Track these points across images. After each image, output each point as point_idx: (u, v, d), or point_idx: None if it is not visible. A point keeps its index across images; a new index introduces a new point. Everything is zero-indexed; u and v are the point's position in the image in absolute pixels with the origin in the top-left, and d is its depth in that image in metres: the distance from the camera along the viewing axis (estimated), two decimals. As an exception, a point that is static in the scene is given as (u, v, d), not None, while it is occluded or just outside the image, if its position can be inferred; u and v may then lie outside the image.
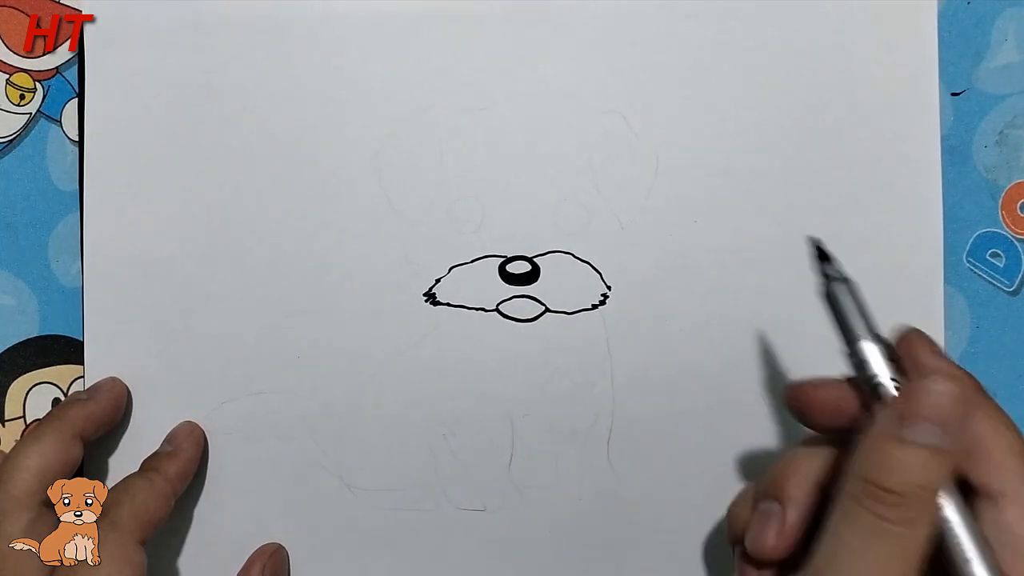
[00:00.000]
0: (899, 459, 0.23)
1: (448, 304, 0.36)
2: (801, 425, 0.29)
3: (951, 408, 0.24)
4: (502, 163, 0.36)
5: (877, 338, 0.27)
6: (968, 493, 0.25)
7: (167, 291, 0.36)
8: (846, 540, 0.24)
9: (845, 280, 0.28)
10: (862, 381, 0.27)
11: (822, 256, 0.29)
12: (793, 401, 0.29)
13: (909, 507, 0.23)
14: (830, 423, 0.28)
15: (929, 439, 0.23)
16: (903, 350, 0.27)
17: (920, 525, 0.23)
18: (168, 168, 0.36)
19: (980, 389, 0.26)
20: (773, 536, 0.28)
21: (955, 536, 0.24)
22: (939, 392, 0.24)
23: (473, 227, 0.36)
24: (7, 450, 0.37)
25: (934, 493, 0.23)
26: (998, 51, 0.37)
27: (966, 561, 0.24)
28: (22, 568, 0.30)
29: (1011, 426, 0.25)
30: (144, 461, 0.34)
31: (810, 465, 0.28)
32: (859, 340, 0.27)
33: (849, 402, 0.27)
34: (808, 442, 0.29)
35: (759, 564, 0.28)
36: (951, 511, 0.24)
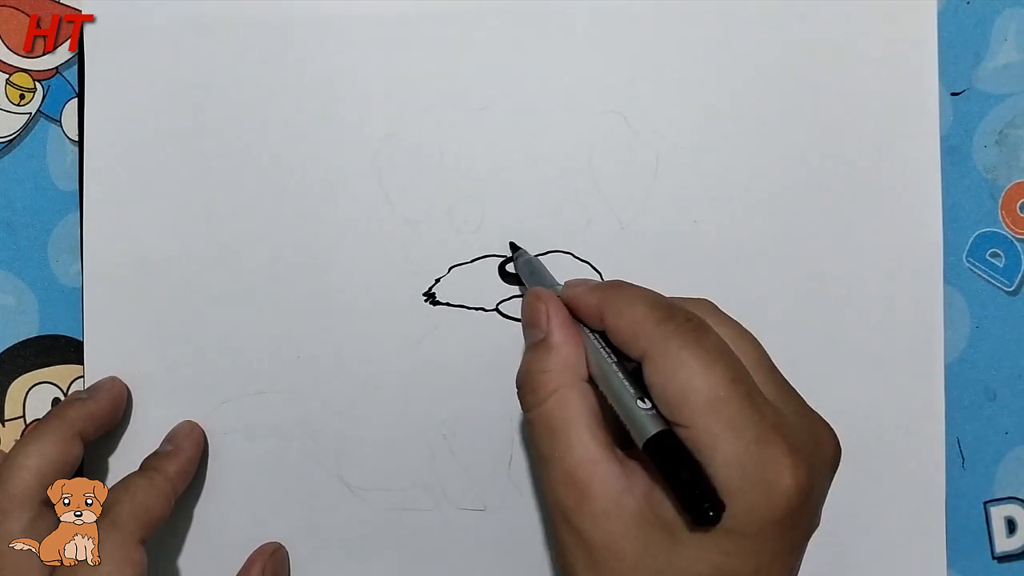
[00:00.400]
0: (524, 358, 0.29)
1: (448, 304, 0.36)
2: None
3: (526, 312, 0.30)
4: (502, 163, 0.36)
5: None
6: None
7: (167, 291, 0.36)
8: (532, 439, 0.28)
9: (525, 257, 0.34)
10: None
11: (514, 250, 0.35)
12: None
13: (526, 395, 0.28)
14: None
15: (530, 339, 0.29)
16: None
17: (541, 404, 0.28)
18: (168, 168, 0.36)
19: (603, 287, 0.29)
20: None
21: (615, 402, 0.27)
22: (528, 301, 0.30)
23: (473, 227, 0.36)
24: (7, 450, 0.37)
25: (546, 375, 0.28)
26: (998, 51, 0.37)
27: (632, 423, 0.26)
28: (22, 568, 0.30)
29: (634, 301, 0.28)
30: (144, 460, 0.34)
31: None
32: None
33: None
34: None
35: None
36: (603, 382, 0.27)
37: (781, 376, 0.28)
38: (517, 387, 0.29)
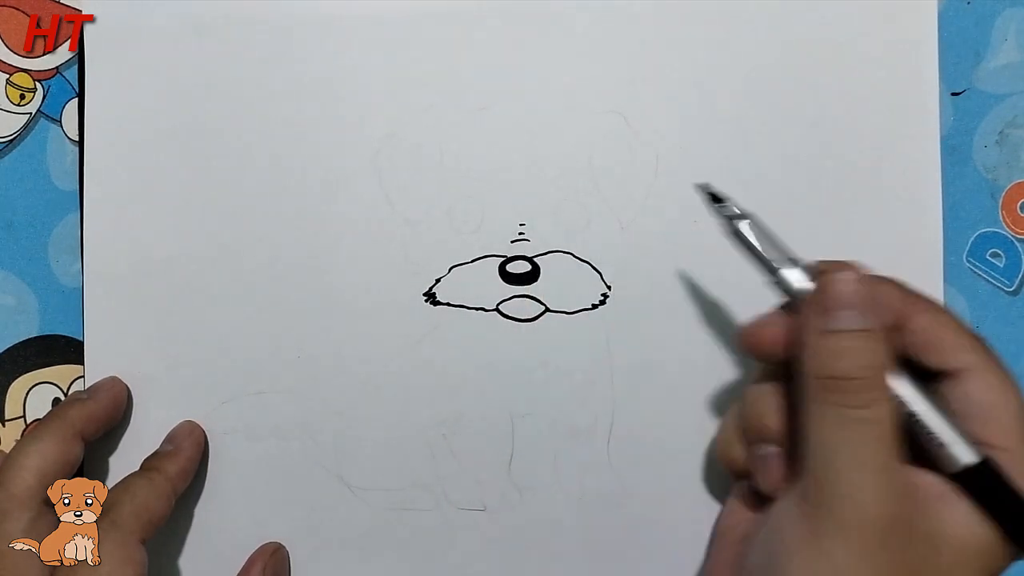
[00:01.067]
0: (836, 346, 0.25)
1: (448, 304, 0.36)
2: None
3: (859, 289, 0.26)
4: (502, 163, 0.36)
5: (794, 261, 0.28)
6: (930, 380, 0.26)
7: (167, 291, 0.36)
8: (825, 440, 0.25)
9: (746, 216, 0.29)
10: (793, 301, 0.28)
11: (715, 200, 0.30)
12: (746, 340, 0.30)
13: (862, 388, 0.25)
14: (781, 353, 0.29)
15: (853, 323, 0.25)
16: (823, 267, 0.28)
17: (878, 404, 0.25)
18: (168, 168, 0.36)
19: (907, 287, 0.28)
20: (778, 473, 0.29)
21: (920, 416, 0.26)
22: (844, 279, 0.26)
23: (473, 227, 0.36)
24: (7, 450, 0.37)
25: (880, 370, 0.25)
26: (998, 51, 0.37)
27: (941, 445, 0.25)
28: (22, 568, 0.30)
29: (948, 311, 0.27)
30: (144, 460, 0.34)
31: (776, 398, 0.29)
32: (779, 266, 0.28)
33: (792, 328, 0.28)
34: (760, 378, 0.30)
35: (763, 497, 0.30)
36: (906, 389, 0.26)
37: None
38: (844, 380, 0.25)
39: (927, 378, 0.27)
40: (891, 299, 0.27)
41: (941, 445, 0.25)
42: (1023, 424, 0.25)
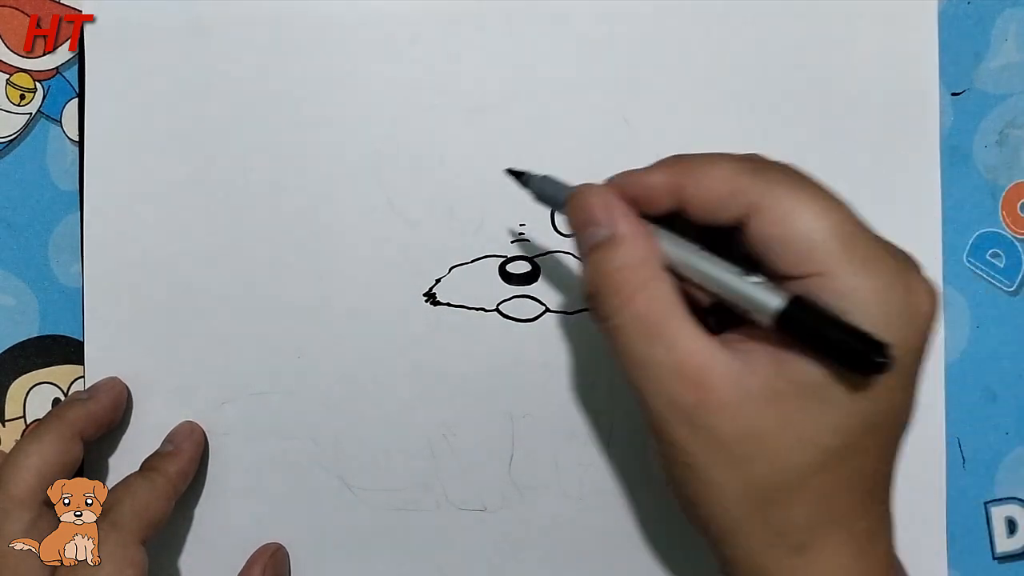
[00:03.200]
0: (591, 266, 0.26)
1: (448, 304, 0.36)
2: None
3: (578, 210, 0.26)
4: (502, 163, 0.36)
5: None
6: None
7: (167, 291, 0.36)
8: (626, 358, 0.25)
9: (535, 176, 0.30)
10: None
11: (519, 179, 0.31)
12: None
13: (606, 299, 0.25)
14: None
15: (594, 238, 0.26)
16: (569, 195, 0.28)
17: (629, 304, 0.24)
18: (168, 168, 0.36)
19: (681, 160, 0.26)
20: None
21: (718, 289, 0.24)
22: (575, 200, 0.27)
23: (473, 227, 0.36)
24: (7, 450, 0.37)
25: (639, 268, 0.25)
26: (998, 51, 0.37)
27: (749, 304, 0.24)
28: (22, 568, 0.30)
29: (720, 161, 0.25)
30: (144, 461, 0.34)
31: None
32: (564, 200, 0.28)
33: None
34: None
35: None
36: (693, 270, 0.25)
37: None
38: (589, 298, 0.26)
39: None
40: (657, 184, 0.26)
41: (749, 304, 0.24)
42: (837, 238, 0.23)
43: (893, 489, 0.26)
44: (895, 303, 0.23)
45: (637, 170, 0.26)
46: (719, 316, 0.26)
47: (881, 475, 0.25)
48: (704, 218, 0.25)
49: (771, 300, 0.23)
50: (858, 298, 0.23)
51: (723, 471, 0.24)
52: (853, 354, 0.22)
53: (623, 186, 0.26)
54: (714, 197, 0.25)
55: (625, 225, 0.25)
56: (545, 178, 0.30)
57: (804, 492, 0.24)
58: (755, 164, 0.25)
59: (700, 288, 0.25)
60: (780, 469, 0.24)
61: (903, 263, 0.24)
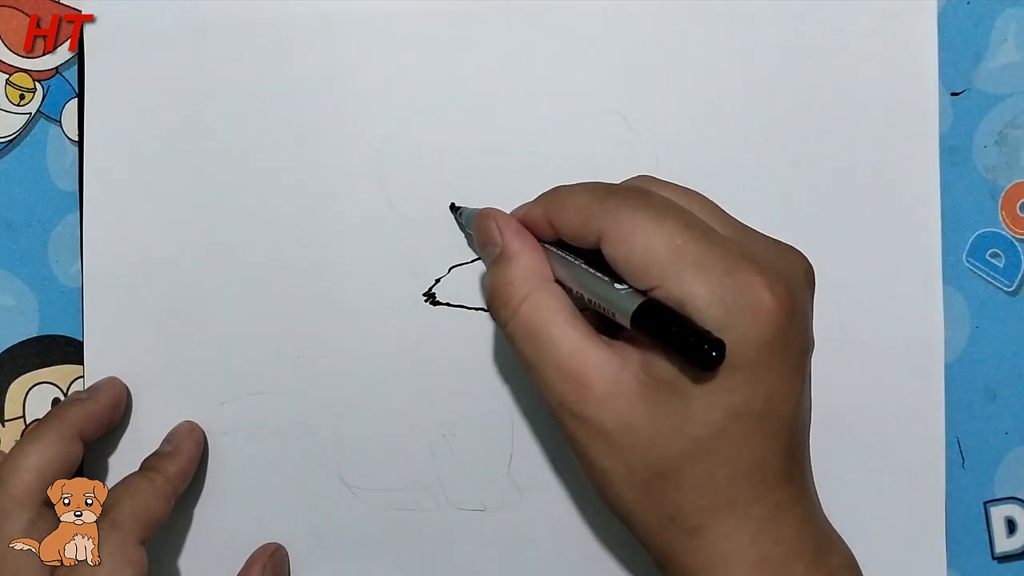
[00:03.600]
0: (486, 280, 0.30)
1: (448, 304, 0.36)
2: None
3: (478, 232, 0.30)
4: (502, 163, 0.36)
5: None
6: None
7: (167, 291, 0.36)
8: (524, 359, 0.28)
9: (466, 209, 0.35)
10: None
11: (455, 213, 0.35)
12: None
13: (498, 309, 0.28)
14: None
15: (490, 256, 0.29)
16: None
17: (516, 314, 0.28)
18: (168, 168, 0.36)
19: (543, 199, 0.30)
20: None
21: (591, 298, 0.27)
22: (478, 222, 0.30)
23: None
24: (7, 450, 0.37)
25: (513, 284, 0.28)
26: (998, 51, 0.37)
27: (612, 309, 0.26)
28: (22, 568, 0.30)
29: (578, 188, 0.28)
30: (144, 461, 0.34)
31: None
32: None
33: None
34: None
35: None
36: (573, 280, 0.28)
37: (737, 220, 0.28)
38: (488, 308, 0.29)
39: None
40: (536, 216, 0.29)
41: (613, 308, 0.26)
42: (667, 252, 0.25)
43: (798, 478, 0.27)
44: (729, 302, 0.24)
45: (527, 203, 0.30)
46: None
47: (770, 463, 0.26)
48: (574, 243, 0.28)
49: (628, 304, 0.25)
50: (693, 304, 0.25)
51: (608, 459, 0.27)
52: (690, 349, 0.24)
53: (518, 216, 0.30)
54: (573, 226, 0.28)
55: (515, 243, 0.29)
56: (466, 210, 0.34)
57: (684, 478, 0.26)
58: (603, 192, 0.27)
59: (585, 300, 0.28)
60: (657, 456, 0.26)
61: (736, 265, 0.25)
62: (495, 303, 0.29)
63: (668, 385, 0.25)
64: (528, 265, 0.28)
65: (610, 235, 0.26)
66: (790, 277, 0.27)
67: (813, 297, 0.28)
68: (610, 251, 0.26)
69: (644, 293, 0.26)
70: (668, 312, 0.25)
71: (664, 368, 0.25)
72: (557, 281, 0.29)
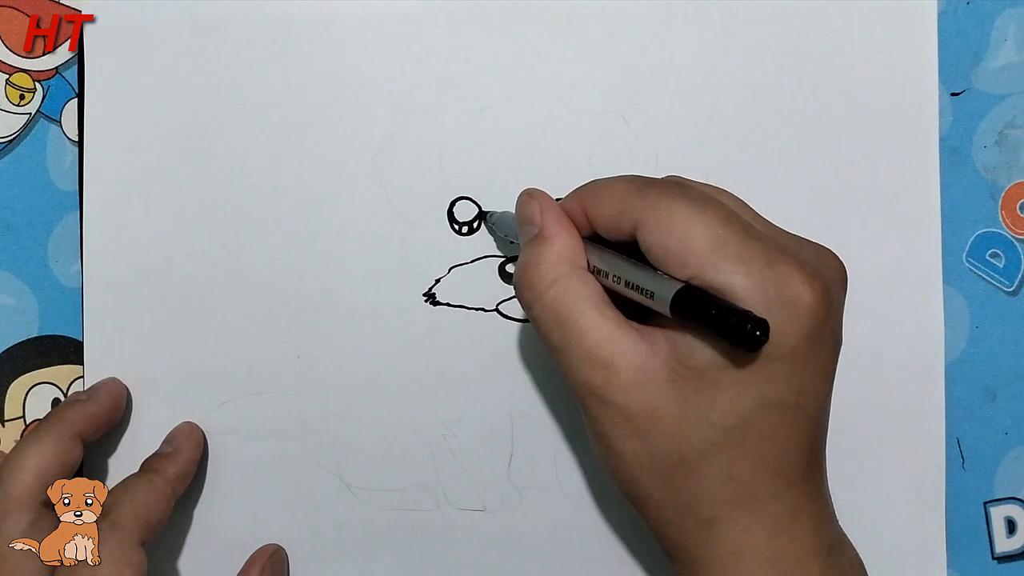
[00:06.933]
0: (519, 260, 0.29)
1: (448, 304, 0.36)
2: None
3: (520, 210, 0.30)
4: (502, 163, 0.36)
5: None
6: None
7: (167, 291, 0.36)
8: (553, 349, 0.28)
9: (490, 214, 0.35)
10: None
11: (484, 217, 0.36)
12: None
13: (525, 291, 0.28)
14: None
15: (526, 235, 0.29)
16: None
17: (542, 296, 0.28)
18: (168, 168, 0.36)
19: (583, 190, 0.29)
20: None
21: (625, 284, 0.27)
22: (521, 201, 0.30)
23: (473, 227, 0.36)
24: (7, 450, 0.37)
25: (544, 267, 0.28)
26: (998, 51, 0.37)
27: (650, 296, 0.26)
28: (22, 568, 0.30)
29: (614, 180, 0.28)
30: (144, 462, 0.34)
31: None
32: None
33: None
34: None
35: None
36: (608, 264, 0.28)
37: (767, 220, 0.28)
38: (515, 287, 0.29)
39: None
40: (572, 210, 0.29)
41: (651, 296, 0.26)
42: (708, 241, 0.25)
43: (817, 476, 0.28)
44: (770, 294, 0.25)
45: (561, 198, 0.30)
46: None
47: (793, 459, 0.26)
48: (608, 235, 0.28)
49: (667, 289, 0.25)
50: (733, 294, 0.25)
51: (629, 442, 0.27)
52: (733, 329, 0.24)
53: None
54: (609, 216, 0.28)
55: (553, 227, 0.28)
56: (506, 212, 0.34)
57: (706, 468, 0.26)
58: (640, 184, 0.27)
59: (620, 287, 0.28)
60: (680, 443, 0.26)
61: (776, 258, 0.25)
62: (521, 283, 0.28)
63: (697, 373, 0.25)
64: (561, 250, 0.28)
65: (648, 223, 0.26)
66: (827, 274, 0.27)
67: (845, 296, 0.28)
68: (646, 238, 0.26)
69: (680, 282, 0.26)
70: (709, 296, 0.25)
71: (695, 356, 0.25)
72: (590, 271, 0.28)
